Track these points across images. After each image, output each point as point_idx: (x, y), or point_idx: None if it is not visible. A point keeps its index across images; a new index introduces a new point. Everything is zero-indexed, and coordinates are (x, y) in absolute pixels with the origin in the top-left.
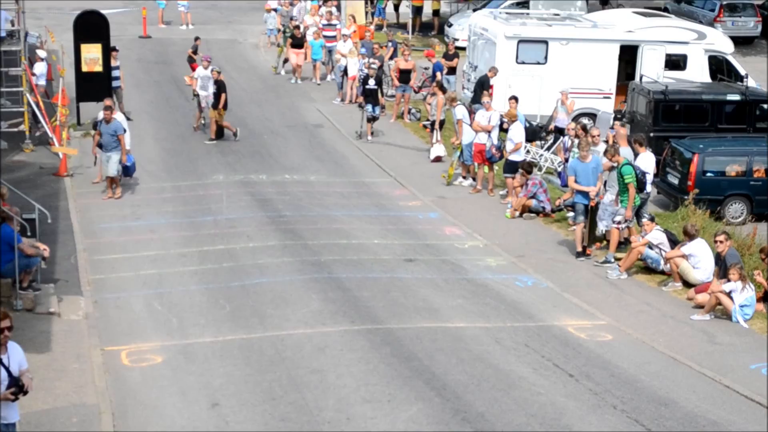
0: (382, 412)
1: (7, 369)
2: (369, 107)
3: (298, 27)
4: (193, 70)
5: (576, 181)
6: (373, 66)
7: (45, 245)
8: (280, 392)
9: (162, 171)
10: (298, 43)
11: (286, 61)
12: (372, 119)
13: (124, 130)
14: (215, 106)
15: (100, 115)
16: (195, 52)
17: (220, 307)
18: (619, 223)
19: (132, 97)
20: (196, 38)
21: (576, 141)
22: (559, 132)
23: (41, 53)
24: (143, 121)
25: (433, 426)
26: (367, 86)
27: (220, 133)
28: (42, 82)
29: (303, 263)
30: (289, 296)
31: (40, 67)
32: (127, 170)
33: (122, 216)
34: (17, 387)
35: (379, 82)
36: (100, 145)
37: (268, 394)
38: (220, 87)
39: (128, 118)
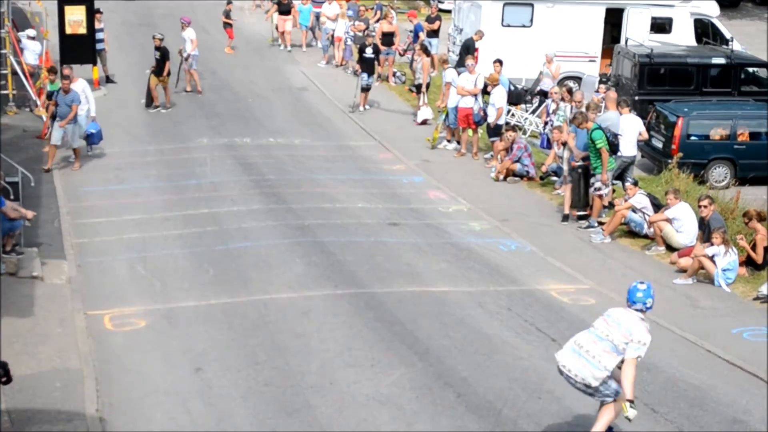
0: (365, 377)
1: None
2: (364, 76)
3: None
4: (229, 36)
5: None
6: (371, 34)
7: (28, 209)
8: (263, 357)
9: (146, 134)
10: (285, 9)
11: (282, 34)
12: (366, 89)
13: (80, 102)
14: (158, 74)
15: (57, 84)
16: (227, 16)
17: (203, 271)
18: (598, 189)
19: (116, 59)
20: (229, 1)
21: (562, 104)
22: (544, 95)
23: (31, 32)
24: (127, 84)
25: (416, 390)
26: (365, 54)
27: (150, 101)
28: (31, 61)
29: (287, 227)
30: (273, 260)
31: (31, 46)
32: (92, 139)
33: (106, 179)
34: (3, 370)
35: (376, 51)
36: (53, 116)
37: (251, 359)
38: (164, 54)
39: (112, 81)
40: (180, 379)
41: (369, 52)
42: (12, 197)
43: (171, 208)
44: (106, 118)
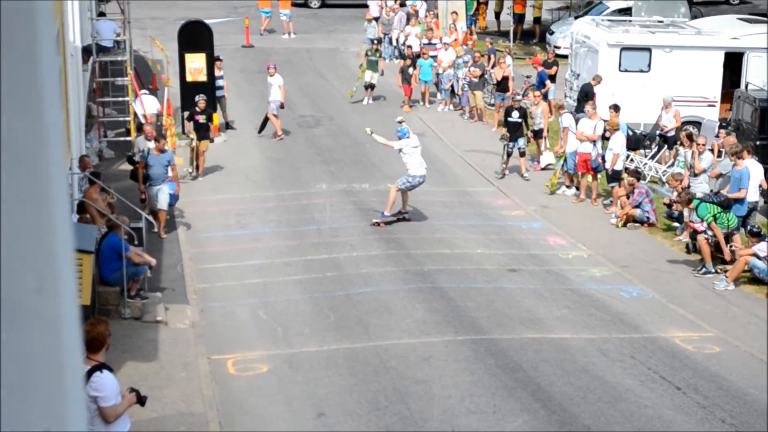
0: (487, 424)
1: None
2: (516, 142)
3: (410, 47)
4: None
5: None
6: (516, 98)
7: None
8: (385, 402)
9: (266, 180)
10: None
11: (367, 88)
12: (519, 153)
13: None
14: (206, 137)
15: (141, 144)
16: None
17: (324, 316)
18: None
19: (235, 106)
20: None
21: (681, 150)
22: (663, 140)
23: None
24: (246, 130)
25: None
26: (510, 119)
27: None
28: (150, 111)
29: (406, 273)
30: (393, 306)
31: (149, 101)
32: (173, 200)
33: (227, 225)
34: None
35: (523, 115)
36: (145, 179)
37: (373, 405)
38: (209, 117)
39: (232, 127)
40: (302, 424)
41: (515, 116)
42: (136, 243)
43: (291, 253)
44: (226, 164)
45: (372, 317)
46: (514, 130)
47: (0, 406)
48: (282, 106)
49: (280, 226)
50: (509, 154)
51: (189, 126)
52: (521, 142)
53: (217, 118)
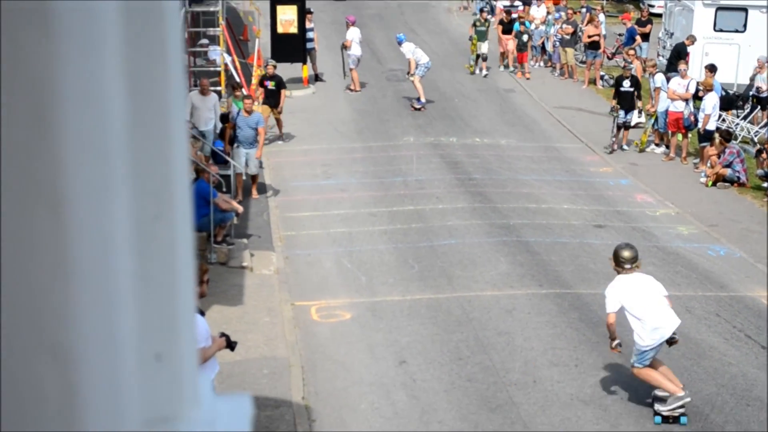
0: (569, 377)
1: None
2: (622, 113)
3: (509, 11)
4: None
5: None
6: (629, 66)
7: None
8: (467, 352)
9: (353, 132)
10: (508, 28)
11: (478, 57)
12: (625, 126)
13: (264, 124)
14: (274, 104)
15: (225, 107)
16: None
17: (408, 266)
18: None
19: (325, 59)
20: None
21: None
22: (757, 101)
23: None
24: (336, 82)
25: (621, 392)
26: (622, 88)
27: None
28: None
29: (492, 226)
30: (478, 258)
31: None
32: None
33: (314, 175)
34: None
35: (635, 84)
36: (231, 141)
37: (455, 354)
38: (279, 83)
39: (321, 79)
40: (384, 371)
41: (627, 85)
42: (224, 190)
43: (377, 204)
44: (314, 116)
45: (456, 269)
46: (625, 100)
47: (118, 329)
48: (345, 47)
49: (366, 177)
50: (620, 127)
51: (257, 94)
52: (632, 115)
53: (307, 70)
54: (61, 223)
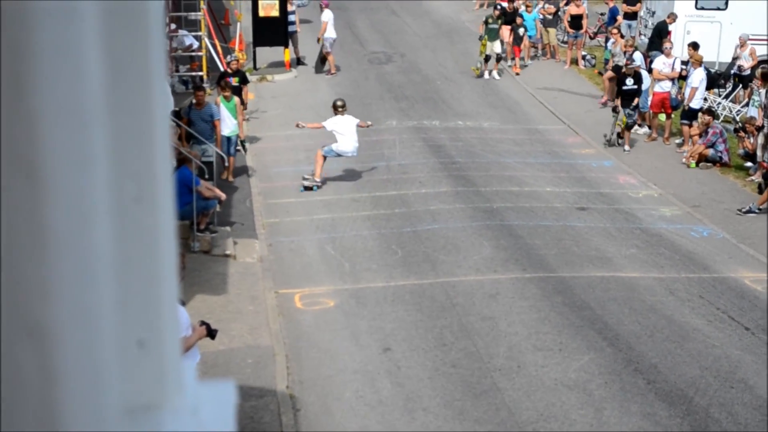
0: (553, 361)
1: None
2: (624, 111)
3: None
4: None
5: None
6: (632, 63)
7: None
8: (451, 338)
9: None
10: (510, 18)
11: (488, 59)
12: (627, 127)
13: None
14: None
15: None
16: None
17: (392, 252)
18: None
19: (307, 42)
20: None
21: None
22: (739, 79)
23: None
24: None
25: (605, 376)
26: (625, 87)
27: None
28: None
29: (475, 210)
30: (461, 243)
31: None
32: (231, 148)
33: (296, 160)
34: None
35: (638, 80)
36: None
37: (439, 340)
38: (242, 79)
39: (303, 63)
40: (368, 359)
41: (630, 83)
42: (207, 177)
43: (360, 189)
44: (296, 100)
45: (440, 254)
46: (628, 98)
47: (99, 312)
48: (318, 40)
49: (349, 161)
50: (627, 127)
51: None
52: (633, 116)
53: (289, 53)
54: (37, 192)
